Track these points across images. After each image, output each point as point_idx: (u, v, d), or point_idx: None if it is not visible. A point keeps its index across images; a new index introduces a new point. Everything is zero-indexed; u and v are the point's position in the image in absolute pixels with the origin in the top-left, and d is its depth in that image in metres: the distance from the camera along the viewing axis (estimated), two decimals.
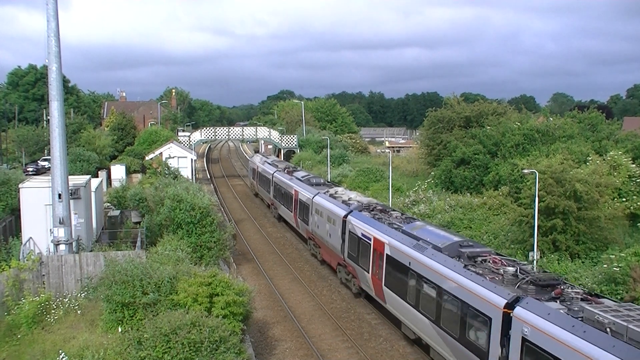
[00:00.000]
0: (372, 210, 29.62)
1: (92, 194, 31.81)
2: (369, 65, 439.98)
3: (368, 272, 26.43)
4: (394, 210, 30.94)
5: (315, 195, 36.29)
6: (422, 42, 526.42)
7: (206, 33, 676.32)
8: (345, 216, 29.87)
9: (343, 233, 29.91)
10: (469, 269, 18.92)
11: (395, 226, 25.59)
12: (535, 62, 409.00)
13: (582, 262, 27.63)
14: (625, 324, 12.92)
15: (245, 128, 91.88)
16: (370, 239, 26.27)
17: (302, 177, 43.86)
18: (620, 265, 23.87)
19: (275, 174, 49.71)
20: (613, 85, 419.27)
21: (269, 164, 55.41)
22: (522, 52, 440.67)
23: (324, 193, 35.84)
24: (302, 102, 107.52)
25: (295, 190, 41.49)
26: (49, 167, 30.98)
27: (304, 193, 38.74)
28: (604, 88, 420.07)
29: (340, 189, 37.10)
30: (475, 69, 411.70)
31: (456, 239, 22.10)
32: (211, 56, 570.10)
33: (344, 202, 32.32)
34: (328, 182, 45.00)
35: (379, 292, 25.40)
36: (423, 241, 22.24)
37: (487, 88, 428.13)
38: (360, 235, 27.52)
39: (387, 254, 24.31)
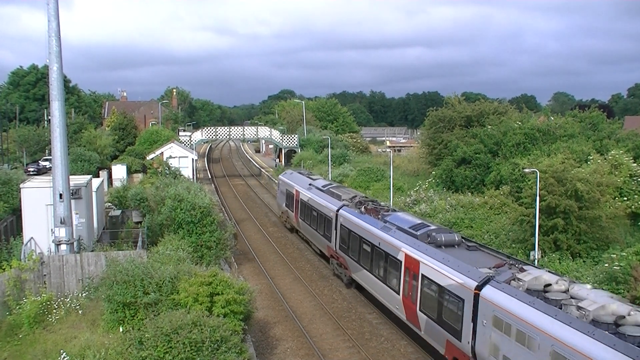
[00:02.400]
0: None
1: (93, 194, 31.82)
2: (371, 65, 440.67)
3: None
4: None
5: (484, 284, 18.15)
6: (425, 42, 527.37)
7: (208, 32, 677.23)
8: None
9: None
10: None
11: None
12: (537, 62, 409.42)
13: (584, 262, 27.61)
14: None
15: (246, 128, 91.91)
16: None
17: (415, 228, 24.26)
18: (621, 264, 23.85)
19: (343, 212, 30.97)
20: (614, 84, 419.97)
21: (322, 191, 36.46)
22: (524, 51, 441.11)
23: (508, 282, 17.75)
24: (303, 102, 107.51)
25: (410, 256, 22.60)
26: (50, 167, 31.01)
27: (443, 271, 20.19)
28: (605, 87, 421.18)
29: (544, 274, 17.97)
30: (477, 68, 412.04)
31: None
32: (213, 56, 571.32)
33: (603, 323, 14.21)
34: (469, 240, 23.73)
35: None
36: None
37: (488, 87, 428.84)
38: None
39: None
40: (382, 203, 32.50)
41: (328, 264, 35.09)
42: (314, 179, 41.26)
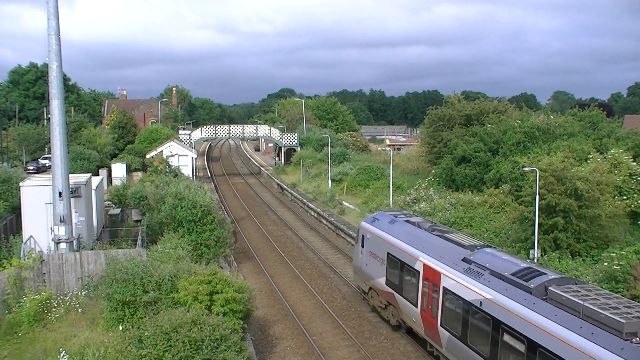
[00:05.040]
0: None
1: (93, 192, 31.80)
2: (373, 63, 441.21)
3: None
4: None
5: None
6: (428, 40, 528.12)
7: (210, 30, 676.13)
8: None
9: None
10: None
11: None
12: (540, 60, 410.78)
13: (583, 260, 27.59)
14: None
15: (245, 126, 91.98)
16: None
17: None
18: (620, 263, 23.84)
19: None
20: (615, 83, 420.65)
21: (526, 289, 16.71)
22: (527, 50, 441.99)
23: None
24: (303, 100, 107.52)
25: None
26: (50, 165, 31.01)
27: None
28: (605, 86, 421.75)
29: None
30: (480, 67, 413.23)
31: None
32: (214, 54, 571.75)
33: None
34: None
35: None
36: None
37: (490, 86, 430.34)
38: None
39: None
40: None
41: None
42: (464, 245, 21.07)
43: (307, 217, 51.56)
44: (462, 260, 19.99)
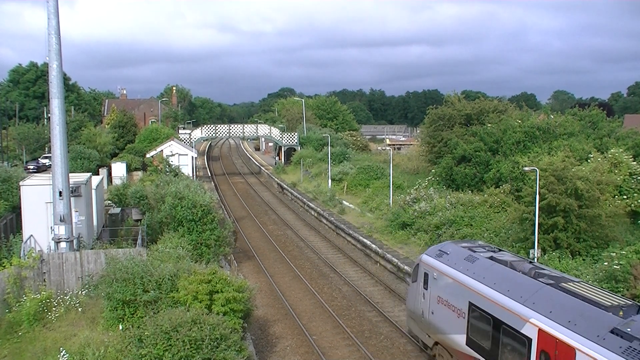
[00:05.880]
0: None
1: (93, 192, 31.81)
2: (373, 63, 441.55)
3: None
4: None
5: None
6: (428, 39, 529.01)
7: (211, 30, 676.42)
8: None
9: None
10: None
11: None
12: (540, 60, 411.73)
13: (583, 260, 27.58)
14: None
15: (245, 125, 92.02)
16: None
17: None
18: (621, 262, 23.83)
19: None
20: (615, 82, 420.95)
21: None
22: (528, 49, 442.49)
23: None
24: (303, 100, 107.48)
25: None
26: (50, 164, 31.02)
27: None
28: (606, 86, 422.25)
29: None
30: (481, 66, 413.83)
31: None
32: (214, 53, 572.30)
33: None
34: None
35: None
36: None
37: (491, 86, 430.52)
38: None
39: None
40: None
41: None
42: (604, 305, 14.25)
43: (307, 216, 51.58)
44: (612, 332, 13.14)
